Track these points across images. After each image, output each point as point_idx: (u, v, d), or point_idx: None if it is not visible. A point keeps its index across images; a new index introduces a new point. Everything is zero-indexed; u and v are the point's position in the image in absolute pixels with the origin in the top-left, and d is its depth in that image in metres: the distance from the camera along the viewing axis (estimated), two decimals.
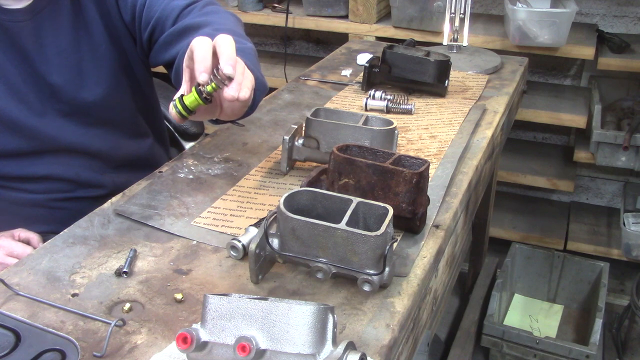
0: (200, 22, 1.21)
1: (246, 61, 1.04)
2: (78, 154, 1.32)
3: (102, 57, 1.30)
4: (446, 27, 1.95)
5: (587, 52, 2.18)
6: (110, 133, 1.36)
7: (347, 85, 1.77)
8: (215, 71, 0.95)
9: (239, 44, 1.05)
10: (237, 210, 1.15)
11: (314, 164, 1.27)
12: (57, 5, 1.23)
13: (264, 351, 0.72)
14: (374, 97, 1.59)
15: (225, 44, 0.95)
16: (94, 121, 1.33)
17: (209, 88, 0.96)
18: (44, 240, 1.10)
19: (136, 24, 1.29)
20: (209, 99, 0.98)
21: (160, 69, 1.38)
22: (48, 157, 1.28)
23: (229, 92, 0.95)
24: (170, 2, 1.26)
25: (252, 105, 1.18)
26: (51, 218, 1.31)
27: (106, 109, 1.33)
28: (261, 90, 1.18)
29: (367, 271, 0.91)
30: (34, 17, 1.20)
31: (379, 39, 2.37)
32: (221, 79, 0.95)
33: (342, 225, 0.89)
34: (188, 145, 1.77)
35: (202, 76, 0.93)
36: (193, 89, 0.97)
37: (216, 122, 1.19)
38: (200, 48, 0.94)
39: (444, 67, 1.65)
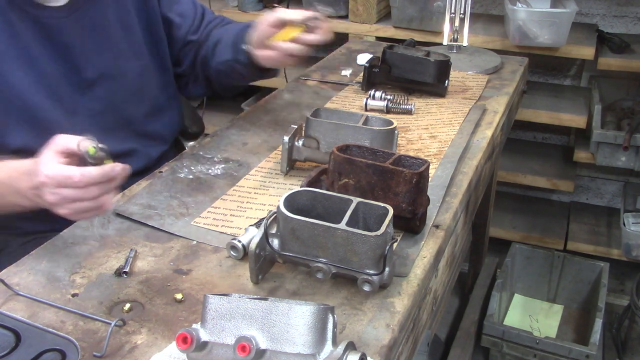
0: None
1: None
2: None
3: (139, 51, 1.37)
4: (446, 27, 1.95)
5: (587, 52, 2.18)
6: (130, 138, 1.38)
7: (347, 85, 1.77)
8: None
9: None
10: (237, 210, 1.15)
11: (314, 164, 1.27)
12: (98, 2, 1.28)
13: (264, 351, 0.72)
14: (374, 97, 1.59)
15: None
16: (121, 121, 1.36)
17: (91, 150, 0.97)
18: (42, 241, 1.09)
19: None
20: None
21: None
22: None
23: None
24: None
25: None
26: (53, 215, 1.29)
27: (137, 105, 1.39)
28: None
29: (367, 271, 0.91)
30: (73, 13, 1.24)
31: (379, 39, 2.37)
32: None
33: (342, 225, 0.89)
34: (188, 145, 1.77)
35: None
36: None
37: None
38: None
39: (444, 67, 1.65)
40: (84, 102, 1.28)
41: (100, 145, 0.96)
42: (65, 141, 0.97)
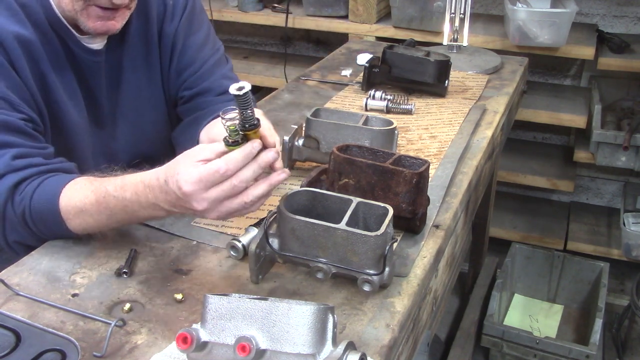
0: None
1: None
2: None
3: (158, 104, 1.34)
4: (446, 27, 1.95)
5: (587, 52, 2.18)
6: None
7: (347, 85, 1.77)
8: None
9: None
10: None
11: (314, 164, 1.27)
12: (128, 51, 1.26)
13: (264, 351, 0.72)
14: (374, 97, 1.59)
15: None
16: (139, 159, 1.32)
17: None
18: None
19: (178, 84, 1.34)
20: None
21: None
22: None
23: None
24: (220, 80, 1.33)
25: None
26: None
27: (155, 146, 1.37)
28: None
29: (367, 271, 0.91)
30: (105, 57, 1.22)
31: (379, 39, 2.37)
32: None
33: (342, 225, 0.89)
34: None
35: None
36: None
37: None
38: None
39: (444, 67, 1.65)
40: (103, 139, 1.28)
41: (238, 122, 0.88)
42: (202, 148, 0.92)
